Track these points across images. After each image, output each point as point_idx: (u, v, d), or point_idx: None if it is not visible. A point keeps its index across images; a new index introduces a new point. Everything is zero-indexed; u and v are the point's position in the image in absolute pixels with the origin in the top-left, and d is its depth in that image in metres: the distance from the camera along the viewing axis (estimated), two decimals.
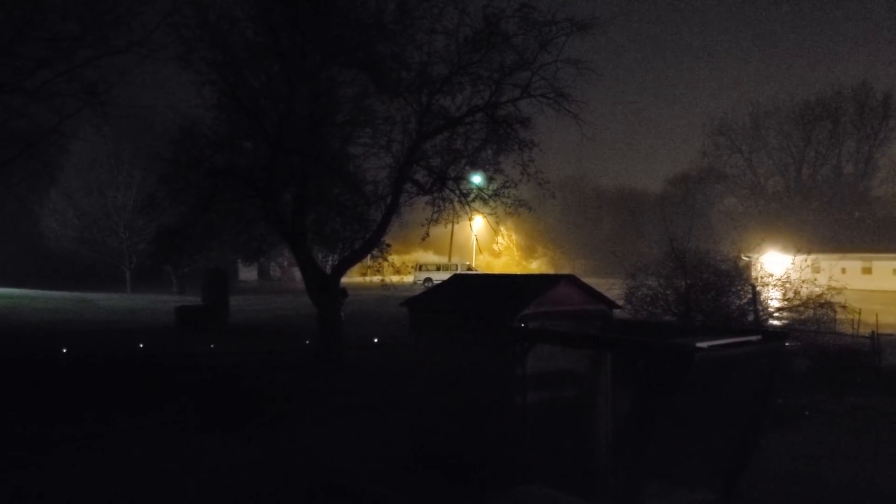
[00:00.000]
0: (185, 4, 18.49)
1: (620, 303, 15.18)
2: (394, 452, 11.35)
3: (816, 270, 22.37)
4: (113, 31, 20.08)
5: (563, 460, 9.57)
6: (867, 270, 60.00)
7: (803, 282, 21.02)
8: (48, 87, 20.65)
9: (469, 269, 65.02)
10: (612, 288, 17.59)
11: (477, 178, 21.43)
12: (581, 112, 19.59)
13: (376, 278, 22.77)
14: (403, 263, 54.49)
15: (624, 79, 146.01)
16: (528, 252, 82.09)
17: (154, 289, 48.67)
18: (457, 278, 12.20)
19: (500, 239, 79.44)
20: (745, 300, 19.85)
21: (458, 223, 23.18)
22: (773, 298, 21.55)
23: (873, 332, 20.06)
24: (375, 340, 23.52)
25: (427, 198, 20.92)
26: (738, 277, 21.17)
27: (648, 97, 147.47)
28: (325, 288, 20.39)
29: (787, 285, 21.17)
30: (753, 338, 9.08)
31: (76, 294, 45.11)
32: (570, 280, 10.52)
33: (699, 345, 7.90)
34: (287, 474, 10.81)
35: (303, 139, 19.17)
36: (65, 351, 19.82)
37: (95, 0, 19.97)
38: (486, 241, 79.44)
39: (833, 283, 20.87)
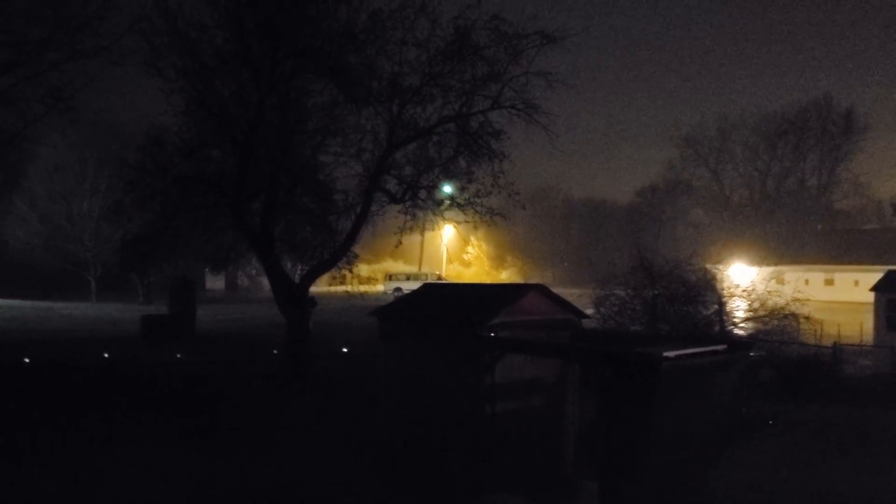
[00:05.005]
0: (154, 11, 18.31)
1: (589, 312, 15.31)
2: (362, 462, 11.30)
3: (780, 282, 22.75)
4: (79, 35, 19.82)
5: (531, 468, 9.61)
6: (829, 282, 61.08)
7: (769, 293, 21.38)
8: (12, 91, 20.33)
9: (439, 278, 65.05)
10: (580, 298, 17.71)
11: (448, 188, 21.45)
12: (551, 124, 19.67)
13: (345, 288, 22.68)
14: (373, 272, 54.50)
15: (593, 91, 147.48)
16: (498, 262, 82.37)
17: (120, 298, 48.02)
18: (426, 288, 12.23)
19: (470, 249, 79.96)
20: (711, 311, 20.13)
21: (432, 230, 23.16)
22: (738, 309, 21.88)
23: (835, 342, 20.41)
24: (344, 350, 23.44)
25: (399, 207, 20.90)
26: (705, 288, 21.48)
27: (618, 110, 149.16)
28: (293, 297, 20.26)
29: (753, 296, 21.53)
30: (719, 348, 9.20)
31: (40, 303, 44.37)
32: (539, 290, 10.60)
33: (666, 354, 7.99)
34: (254, 485, 10.71)
35: (272, 147, 19.05)
36: (27, 360, 19.47)
37: (61, 4, 19.68)
38: (456, 251, 79.74)
39: (797, 295, 21.26)
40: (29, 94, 20.25)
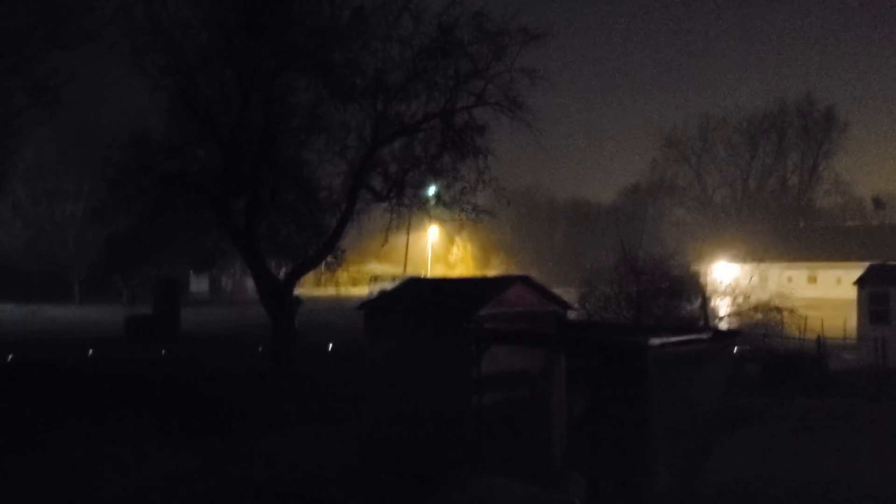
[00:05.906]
0: (137, 9, 18.23)
1: (574, 306, 15.34)
2: (350, 457, 11.25)
3: (764, 279, 22.94)
4: (64, 27, 19.67)
5: (519, 461, 9.60)
6: (812, 279, 61.49)
7: (752, 288, 21.56)
8: None
9: None
10: (564, 295, 17.73)
11: (433, 189, 21.44)
12: (534, 121, 19.74)
13: (331, 290, 22.64)
14: (358, 272, 54.38)
15: (577, 90, 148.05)
16: (483, 262, 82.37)
17: (104, 300, 47.63)
18: (412, 281, 12.21)
19: (455, 249, 79.90)
20: (695, 305, 20.27)
21: (419, 230, 23.20)
22: (722, 306, 22.04)
23: (819, 336, 20.55)
24: (330, 347, 23.40)
25: (384, 205, 20.87)
26: (688, 284, 21.62)
27: (601, 109, 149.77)
28: (278, 296, 20.19)
29: (736, 292, 21.70)
30: (704, 336, 9.22)
31: (23, 306, 43.95)
32: (524, 281, 10.60)
33: (652, 341, 7.99)
34: (241, 482, 10.65)
35: (256, 145, 19.01)
36: (10, 357, 19.30)
37: None
38: (441, 252, 79.67)
39: (781, 290, 21.46)
40: (11, 84, 20.05)
